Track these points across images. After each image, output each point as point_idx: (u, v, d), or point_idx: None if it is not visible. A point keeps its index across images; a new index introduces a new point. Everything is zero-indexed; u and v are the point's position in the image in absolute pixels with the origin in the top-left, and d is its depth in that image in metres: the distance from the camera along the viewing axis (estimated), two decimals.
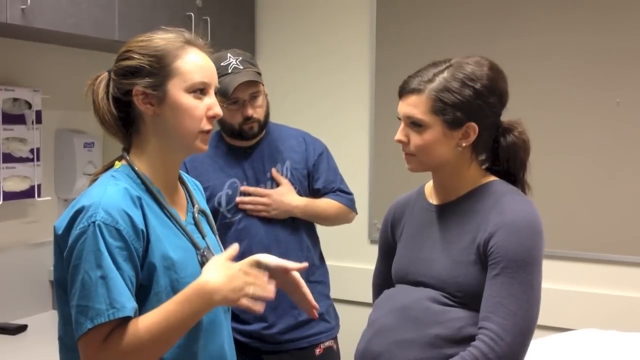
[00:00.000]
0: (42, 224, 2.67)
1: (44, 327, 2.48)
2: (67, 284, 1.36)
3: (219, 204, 2.32)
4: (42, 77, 2.65)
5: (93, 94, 1.47)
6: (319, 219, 2.46)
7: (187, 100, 1.44)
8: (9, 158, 2.50)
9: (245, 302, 1.38)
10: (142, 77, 1.42)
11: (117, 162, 1.49)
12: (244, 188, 2.31)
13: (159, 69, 1.43)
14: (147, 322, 1.33)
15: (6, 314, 2.49)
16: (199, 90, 1.45)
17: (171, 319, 1.33)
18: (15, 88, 2.52)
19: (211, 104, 1.47)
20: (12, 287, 2.54)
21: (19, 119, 2.55)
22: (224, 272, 1.37)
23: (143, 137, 1.47)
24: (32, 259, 2.62)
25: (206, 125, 1.46)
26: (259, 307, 1.41)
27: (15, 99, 2.53)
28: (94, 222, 1.33)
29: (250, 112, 2.27)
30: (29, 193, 2.58)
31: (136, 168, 1.46)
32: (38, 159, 2.60)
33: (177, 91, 1.43)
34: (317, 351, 2.40)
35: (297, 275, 1.61)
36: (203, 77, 1.45)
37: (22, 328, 2.43)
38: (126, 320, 1.32)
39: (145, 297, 1.39)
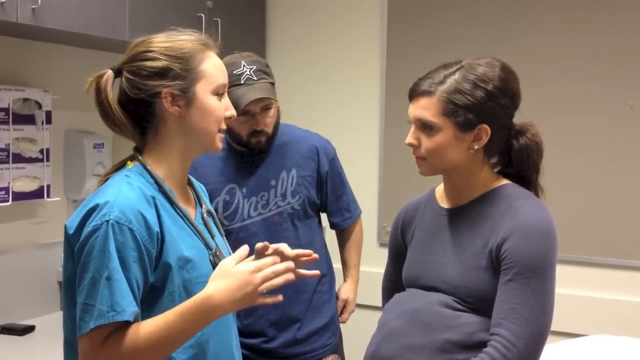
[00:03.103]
0: (51, 224, 2.67)
1: (52, 328, 2.47)
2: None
3: (216, 209, 2.26)
4: (52, 77, 2.65)
5: (101, 93, 1.44)
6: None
7: (213, 102, 1.46)
8: (18, 158, 2.50)
9: (260, 300, 1.37)
10: (170, 79, 1.42)
11: (129, 162, 1.48)
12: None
13: (188, 72, 1.43)
14: (147, 329, 1.32)
15: (14, 314, 2.48)
16: (220, 92, 1.48)
17: (171, 329, 1.32)
18: (25, 88, 2.52)
19: (228, 104, 1.51)
20: (20, 288, 2.54)
21: (29, 119, 2.55)
22: (229, 284, 1.33)
23: (162, 138, 1.47)
24: (41, 259, 2.62)
25: (223, 125, 1.50)
26: (277, 298, 1.40)
27: (25, 99, 2.53)
28: (107, 221, 1.32)
29: (260, 126, 2.22)
30: (38, 193, 2.58)
31: (149, 168, 1.45)
32: (48, 160, 2.60)
33: (204, 94, 1.45)
34: None
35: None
36: (224, 79, 1.49)
37: (29, 329, 2.43)
38: (127, 323, 1.32)
39: (158, 297, 1.39)
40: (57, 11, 2.22)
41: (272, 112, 2.25)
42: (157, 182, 1.45)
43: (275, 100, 2.25)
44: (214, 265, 1.45)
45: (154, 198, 1.41)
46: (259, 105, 2.20)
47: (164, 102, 1.43)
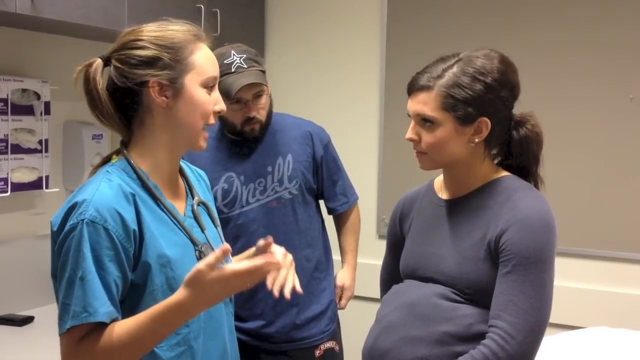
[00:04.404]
0: (50, 215, 2.61)
1: (51, 318, 2.45)
2: None
3: (215, 198, 2.26)
4: (51, 68, 2.64)
5: (89, 82, 1.41)
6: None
7: (202, 95, 1.43)
8: (17, 149, 2.49)
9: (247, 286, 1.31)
10: (159, 69, 1.39)
11: (114, 156, 1.46)
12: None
13: (177, 62, 1.41)
14: (121, 330, 1.32)
15: (13, 305, 2.49)
16: (210, 86, 1.45)
17: (144, 331, 1.31)
18: (23, 79, 2.51)
19: (217, 99, 1.47)
20: (19, 279, 2.54)
21: (28, 110, 2.54)
22: (204, 294, 1.28)
23: (148, 130, 1.44)
24: (40, 250, 2.61)
25: (212, 120, 1.46)
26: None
27: (23, 90, 2.52)
28: (82, 220, 1.32)
29: (253, 113, 2.23)
30: (37, 184, 2.57)
31: (133, 162, 1.43)
32: (46, 150, 2.59)
33: (193, 85, 1.42)
34: (317, 353, 2.38)
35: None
36: (214, 72, 1.46)
37: (28, 319, 2.43)
38: (102, 324, 1.31)
39: (140, 295, 1.38)
40: (56, 2, 2.21)
41: (264, 99, 2.27)
42: (140, 178, 1.42)
43: (267, 86, 2.27)
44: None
45: (133, 195, 1.39)
46: (251, 92, 2.21)
47: (151, 92, 1.40)
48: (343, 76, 3.35)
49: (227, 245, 1.29)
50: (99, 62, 1.42)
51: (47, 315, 2.50)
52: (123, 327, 1.32)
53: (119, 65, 1.41)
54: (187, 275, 1.28)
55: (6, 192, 2.45)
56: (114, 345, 1.31)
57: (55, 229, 1.38)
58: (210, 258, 1.27)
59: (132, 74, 1.40)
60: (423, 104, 1.55)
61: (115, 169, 1.42)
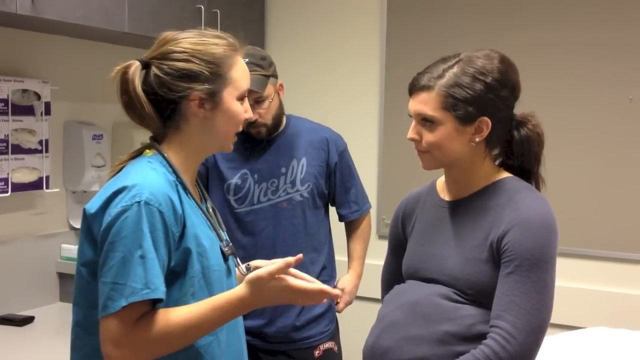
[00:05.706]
0: (50, 215, 2.67)
1: (51, 318, 2.48)
2: (97, 265, 1.36)
3: (227, 192, 2.32)
4: (52, 68, 2.65)
5: (129, 84, 1.43)
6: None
7: (237, 107, 1.49)
8: (17, 149, 2.50)
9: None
10: (200, 83, 1.44)
11: (147, 151, 1.49)
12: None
13: (217, 77, 1.45)
14: (181, 316, 1.35)
15: (13, 305, 2.49)
16: (244, 97, 1.51)
17: (203, 321, 1.37)
18: (24, 79, 2.52)
19: (247, 107, 1.53)
20: (19, 279, 2.54)
21: (28, 110, 2.54)
22: (266, 296, 1.40)
23: (182, 134, 1.48)
24: (40, 250, 2.63)
25: (240, 127, 1.53)
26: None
27: (24, 90, 2.53)
28: (138, 202, 1.34)
29: (254, 117, 2.24)
30: (37, 184, 2.58)
31: (168, 157, 1.47)
32: (47, 151, 2.60)
33: (230, 99, 1.48)
34: (316, 353, 2.39)
35: (296, 272, 1.59)
36: (248, 84, 1.52)
37: (28, 319, 2.43)
38: (155, 308, 1.34)
39: (178, 280, 1.40)
40: (56, 2, 2.22)
41: (266, 103, 2.28)
42: (175, 172, 1.47)
43: (273, 89, 2.28)
44: (225, 256, 1.50)
45: (176, 184, 1.44)
46: (250, 98, 2.21)
47: (191, 105, 1.45)
48: (343, 76, 3.35)
49: (290, 259, 1.41)
50: (137, 65, 1.45)
51: (47, 315, 2.50)
52: (182, 314, 1.35)
53: (161, 75, 1.44)
54: (248, 276, 1.40)
55: (6, 192, 2.45)
56: (172, 331, 1.34)
57: (92, 211, 1.38)
58: (272, 268, 1.39)
59: (175, 86, 1.43)
60: (423, 103, 1.56)
61: (154, 161, 1.46)
